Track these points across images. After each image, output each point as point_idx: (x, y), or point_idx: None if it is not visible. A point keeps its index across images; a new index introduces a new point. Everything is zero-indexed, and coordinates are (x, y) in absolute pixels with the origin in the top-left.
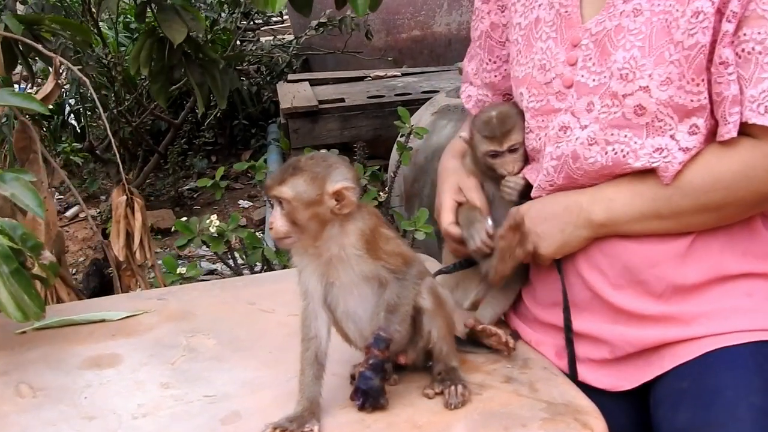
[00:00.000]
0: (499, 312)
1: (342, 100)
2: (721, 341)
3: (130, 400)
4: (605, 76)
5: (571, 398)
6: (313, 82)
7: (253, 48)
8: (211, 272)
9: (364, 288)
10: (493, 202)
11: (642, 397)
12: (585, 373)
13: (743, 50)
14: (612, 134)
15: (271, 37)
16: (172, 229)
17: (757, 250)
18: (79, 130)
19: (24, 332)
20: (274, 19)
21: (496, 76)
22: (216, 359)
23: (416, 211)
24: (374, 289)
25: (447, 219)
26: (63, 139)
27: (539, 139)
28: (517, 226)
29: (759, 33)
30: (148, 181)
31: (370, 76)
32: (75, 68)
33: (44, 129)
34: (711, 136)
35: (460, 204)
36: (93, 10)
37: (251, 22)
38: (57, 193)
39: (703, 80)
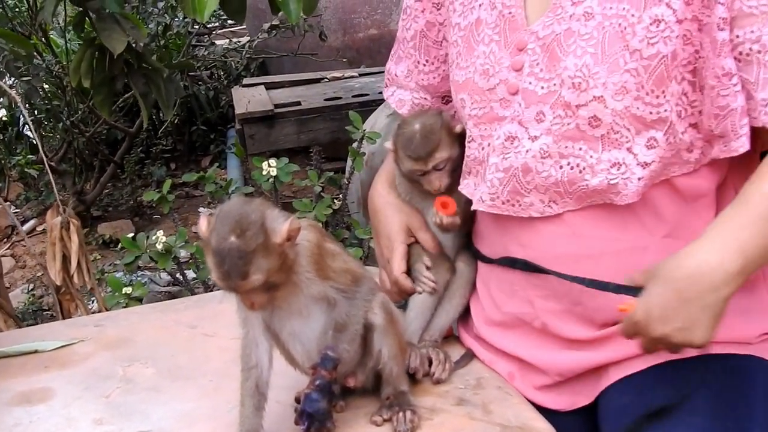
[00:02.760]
0: (448, 323)
1: (298, 103)
2: (665, 355)
3: None
4: (555, 84)
5: (526, 420)
6: (269, 86)
7: (206, 53)
8: (173, 284)
9: (312, 309)
10: (425, 212)
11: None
12: (538, 396)
13: (741, 53)
14: (566, 147)
15: (227, 41)
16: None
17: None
18: (34, 142)
19: None
20: (230, 21)
21: (434, 77)
22: (153, 390)
23: None
24: (323, 309)
25: (399, 268)
26: (18, 151)
27: (482, 148)
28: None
29: (752, 32)
30: (105, 191)
31: (326, 78)
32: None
33: None
34: (676, 153)
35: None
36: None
37: (203, 26)
38: (13, 207)
39: (663, 92)
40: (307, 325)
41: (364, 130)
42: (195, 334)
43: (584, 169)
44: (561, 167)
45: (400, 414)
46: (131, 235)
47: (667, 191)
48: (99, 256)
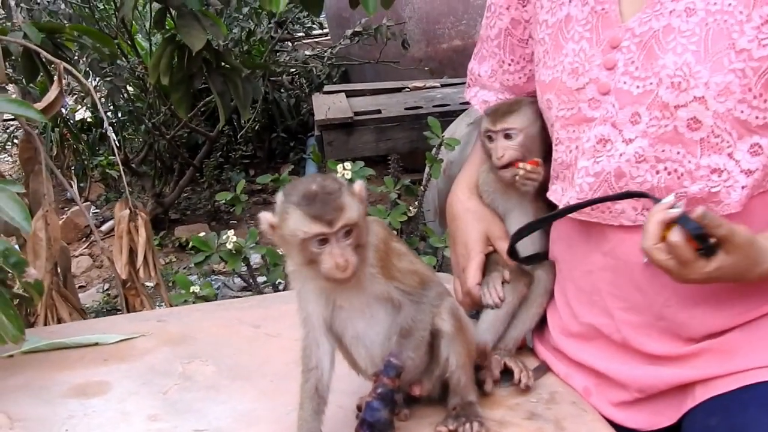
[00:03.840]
0: (523, 333)
1: (378, 111)
2: (758, 375)
3: None
4: (652, 83)
5: None
6: (350, 94)
7: (288, 58)
8: (245, 288)
9: (376, 310)
10: (506, 216)
11: None
12: (616, 413)
13: None
14: (663, 150)
15: (311, 49)
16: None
17: None
18: (117, 145)
19: (11, 356)
20: (315, 32)
21: (520, 78)
22: (212, 388)
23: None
24: (387, 311)
25: (474, 278)
26: (100, 152)
27: (570, 152)
28: None
29: None
30: (184, 194)
31: (408, 88)
32: (80, 75)
33: (82, 142)
34: None
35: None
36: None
37: (286, 32)
38: (94, 207)
39: None
40: (370, 327)
41: (443, 137)
42: (258, 333)
43: (682, 174)
44: (658, 172)
45: (467, 425)
46: (202, 234)
47: (763, 202)
48: (174, 259)
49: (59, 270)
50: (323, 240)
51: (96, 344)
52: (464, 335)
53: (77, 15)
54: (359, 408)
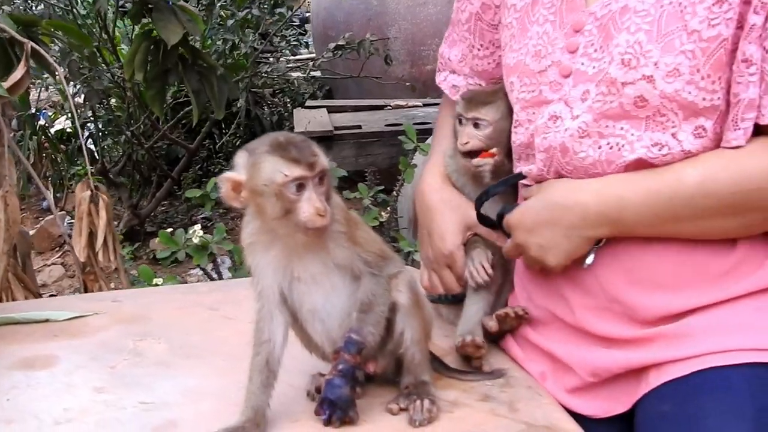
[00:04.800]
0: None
1: (359, 126)
2: (712, 360)
3: (56, 404)
4: (605, 62)
5: (555, 420)
6: (331, 109)
7: (270, 69)
8: None
9: (336, 281)
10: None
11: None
12: (570, 399)
13: None
14: (606, 126)
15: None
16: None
17: None
18: (97, 156)
19: None
20: (302, 51)
21: (489, 63)
22: (162, 365)
23: None
24: (347, 284)
25: (455, 241)
26: (78, 162)
27: (528, 132)
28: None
29: None
30: (161, 207)
31: (389, 106)
32: (49, 56)
33: (60, 152)
34: (719, 142)
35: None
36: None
37: (269, 44)
38: (69, 217)
39: (720, 78)
40: (328, 301)
41: (417, 144)
42: (215, 315)
43: (623, 146)
44: (600, 147)
45: (418, 402)
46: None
47: None
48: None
49: (18, 254)
50: (300, 186)
51: (47, 321)
52: (421, 310)
53: (57, 16)
54: (318, 390)
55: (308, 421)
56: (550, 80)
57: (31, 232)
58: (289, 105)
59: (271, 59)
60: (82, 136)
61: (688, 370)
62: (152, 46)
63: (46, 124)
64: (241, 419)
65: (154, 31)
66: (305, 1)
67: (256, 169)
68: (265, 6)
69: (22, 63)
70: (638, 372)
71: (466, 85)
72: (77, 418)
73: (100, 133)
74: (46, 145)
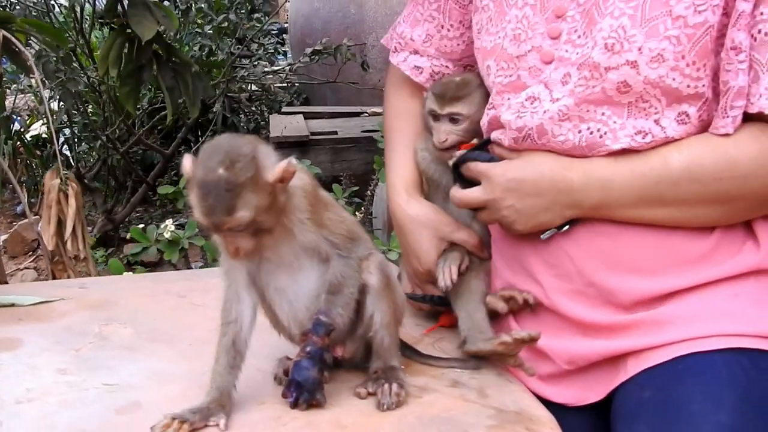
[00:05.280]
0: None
1: (335, 132)
2: (693, 346)
3: (18, 384)
4: (588, 47)
5: (525, 407)
6: (308, 115)
7: (246, 74)
8: None
9: (303, 262)
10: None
11: (608, 412)
12: (544, 388)
13: (759, 31)
14: (587, 111)
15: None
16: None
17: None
18: (72, 162)
19: None
20: (280, 60)
21: (458, 44)
22: (128, 349)
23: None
24: (314, 265)
25: (430, 258)
26: (53, 168)
27: (499, 112)
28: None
29: None
30: (136, 214)
31: (366, 113)
32: (21, 45)
33: (35, 157)
34: (703, 129)
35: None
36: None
37: (246, 49)
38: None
39: (705, 65)
40: (296, 281)
41: None
42: (183, 302)
43: (605, 134)
44: (580, 131)
45: (386, 386)
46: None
47: None
48: None
49: None
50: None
51: (12, 305)
52: (392, 293)
53: (33, 17)
54: (286, 373)
55: (275, 404)
56: (529, 65)
57: (4, 237)
58: (266, 113)
59: (247, 65)
60: (57, 141)
61: (669, 356)
62: (127, 43)
63: (22, 129)
64: (206, 400)
65: (129, 28)
66: (282, 6)
67: (189, 186)
68: (243, 11)
69: None
70: (615, 360)
71: (430, 67)
72: (39, 398)
73: (76, 138)
74: (21, 150)
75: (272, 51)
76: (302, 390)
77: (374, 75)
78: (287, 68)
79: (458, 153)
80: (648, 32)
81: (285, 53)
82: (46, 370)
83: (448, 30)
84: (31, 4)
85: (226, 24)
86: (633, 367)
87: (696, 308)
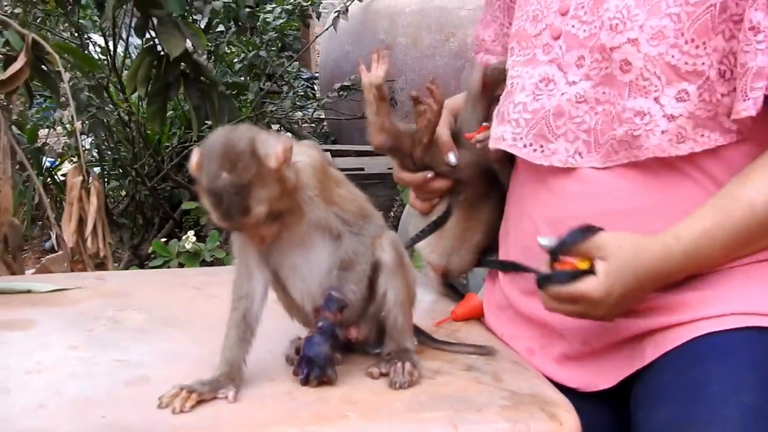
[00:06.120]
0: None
1: (361, 169)
2: (711, 325)
3: (29, 357)
4: (596, 27)
5: (540, 390)
6: (335, 153)
7: (275, 108)
8: None
9: (315, 240)
10: None
11: (627, 400)
12: (557, 371)
13: None
14: (603, 93)
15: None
16: None
17: None
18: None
19: None
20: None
21: None
22: (140, 332)
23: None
24: (326, 242)
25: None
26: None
27: (510, 89)
28: None
29: None
30: None
31: None
32: (48, 47)
33: (65, 194)
34: (713, 116)
35: None
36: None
37: (275, 84)
38: None
39: (704, 44)
40: (308, 258)
41: None
42: (198, 294)
43: (614, 117)
44: (596, 113)
45: (399, 364)
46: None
47: (715, 163)
48: None
49: (9, 246)
50: None
51: (29, 291)
52: (405, 271)
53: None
54: (298, 351)
55: (285, 381)
56: (543, 43)
57: (32, 272)
58: None
59: (276, 101)
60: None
61: (686, 338)
62: (155, 62)
63: (52, 169)
64: (216, 373)
65: (158, 47)
66: (312, 43)
67: (199, 189)
68: (273, 49)
69: (22, 54)
70: (631, 346)
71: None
72: (49, 370)
73: (106, 176)
74: (52, 186)
75: (302, 94)
76: (313, 366)
77: (402, 114)
78: (314, 104)
79: (477, 137)
80: (650, 10)
81: (314, 96)
82: (57, 347)
83: (508, 27)
84: (66, 39)
85: (257, 62)
86: (651, 353)
87: (712, 288)
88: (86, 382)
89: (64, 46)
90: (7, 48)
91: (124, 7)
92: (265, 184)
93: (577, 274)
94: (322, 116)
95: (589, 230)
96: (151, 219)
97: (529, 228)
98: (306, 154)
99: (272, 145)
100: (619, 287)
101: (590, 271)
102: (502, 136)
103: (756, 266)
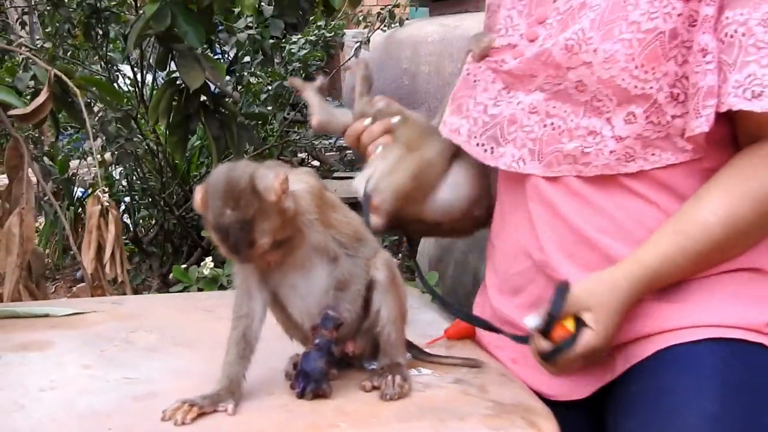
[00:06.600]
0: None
1: None
2: (675, 338)
3: (44, 376)
4: (549, 45)
5: (522, 400)
6: None
7: (298, 137)
8: None
9: (314, 261)
10: None
11: (603, 409)
12: (536, 380)
13: (726, 34)
14: (554, 107)
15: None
16: None
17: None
18: (131, 228)
19: None
20: None
21: None
22: (152, 350)
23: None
24: (324, 264)
25: None
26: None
27: (473, 86)
28: None
29: (741, 14)
30: None
31: None
32: (71, 84)
33: None
34: (664, 136)
35: None
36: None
37: (299, 114)
38: None
39: (654, 69)
40: (307, 279)
41: None
42: (209, 316)
43: (563, 131)
44: (545, 125)
45: (389, 377)
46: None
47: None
48: None
49: (33, 274)
50: None
51: (47, 315)
52: (397, 290)
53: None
54: (295, 366)
55: (283, 395)
56: (501, 57)
57: (64, 300)
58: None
59: (300, 131)
60: (119, 210)
61: (652, 350)
62: (176, 94)
63: (83, 199)
64: (216, 387)
65: (179, 80)
66: (336, 71)
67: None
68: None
69: (45, 89)
70: (605, 358)
71: None
72: (62, 387)
73: (135, 206)
74: (83, 216)
75: None
76: (309, 380)
77: None
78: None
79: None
80: (604, 35)
81: None
82: (71, 366)
83: None
84: (96, 71)
85: (283, 92)
86: (621, 366)
87: (676, 301)
88: (96, 397)
89: (90, 79)
90: (35, 82)
91: (150, 39)
92: (267, 217)
93: (575, 336)
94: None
95: (562, 291)
96: (180, 247)
97: (512, 252)
98: (303, 181)
99: (270, 179)
100: (611, 327)
101: (581, 325)
102: (458, 129)
103: (718, 278)
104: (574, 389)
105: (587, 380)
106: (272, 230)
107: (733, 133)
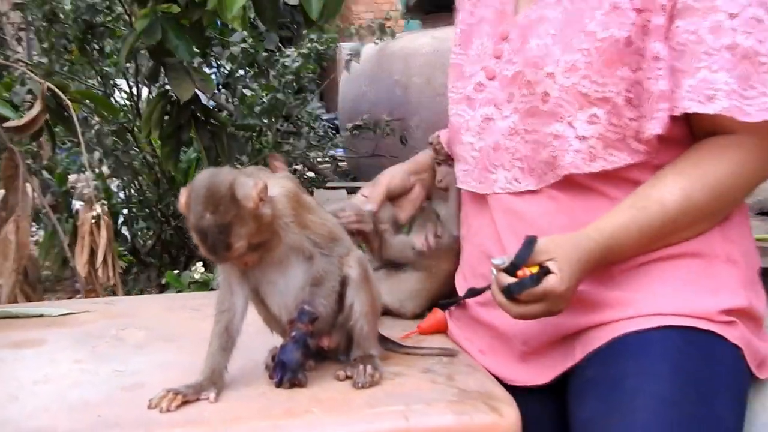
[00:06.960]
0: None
1: None
2: (629, 326)
3: (37, 371)
4: (520, 65)
5: (487, 388)
6: (351, 190)
7: (291, 148)
8: None
9: (291, 259)
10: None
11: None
12: (503, 369)
13: (678, 42)
14: (528, 123)
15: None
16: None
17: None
18: (129, 239)
19: None
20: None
21: None
22: (140, 346)
23: None
24: (300, 262)
25: (374, 196)
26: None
27: (457, 126)
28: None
29: (692, 23)
30: (189, 289)
31: None
32: (65, 97)
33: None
34: (621, 138)
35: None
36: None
37: (291, 125)
38: None
39: (611, 73)
40: (285, 276)
41: None
42: (196, 314)
43: (539, 143)
44: (527, 142)
45: (361, 367)
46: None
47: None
48: None
49: (29, 279)
50: None
51: (41, 316)
52: (370, 285)
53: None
54: (273, 358)
55: (261, 384)
56: (476, 81)
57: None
58: (311, 189)
59: (292, 140)
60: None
61: (609, 337)
62: (168, 106)
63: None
64: (199, 378)
65: (170, 92)
66: (327, 84)
67: (188, 224)
68: (290, 91)
69: (38, 102)
70: (564, 346)
71: None
72: (54, 380)
73: (133, 217)
74: None
75: (322, 134)
76: (286, 370)
77: (413, 153)
78: (329, 142)
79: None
80: (564, 47)
81: (333, 135)
82: (64, 361)
83: None
84: (93, 85)
85: (275, 102)
86: (580, 353)
87: (630, 290)
88: (87, 388)
89: (85, 92)
90: (32, 96)
91: (143, 53)
92: (244, 222)
93: (540, 276)
94: (340, 154)
95: (530, 242)
96: (177, 257)
97: (477, 255)
98: (280, 186)
99: (249, 187)
100: (573, 278)
101: (546, 272)
102: (458, 176)
103: (673, 265)
104: (536, 376)
105: (549, 367)
106: (248, 235)
107: (686, 133)
